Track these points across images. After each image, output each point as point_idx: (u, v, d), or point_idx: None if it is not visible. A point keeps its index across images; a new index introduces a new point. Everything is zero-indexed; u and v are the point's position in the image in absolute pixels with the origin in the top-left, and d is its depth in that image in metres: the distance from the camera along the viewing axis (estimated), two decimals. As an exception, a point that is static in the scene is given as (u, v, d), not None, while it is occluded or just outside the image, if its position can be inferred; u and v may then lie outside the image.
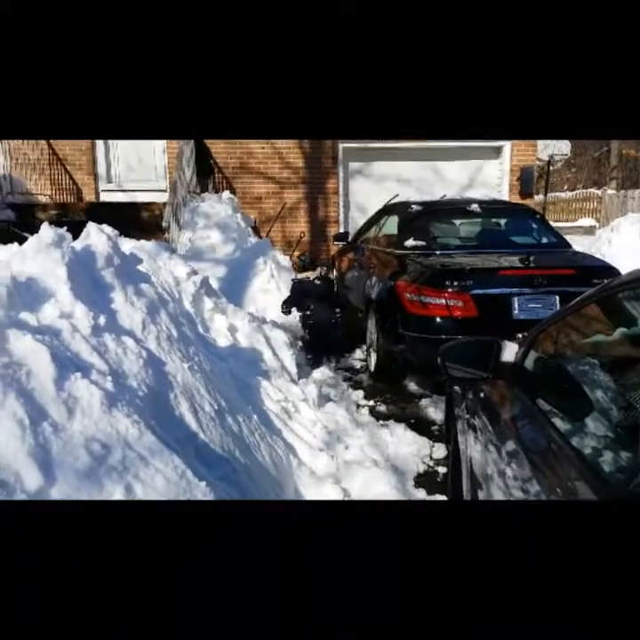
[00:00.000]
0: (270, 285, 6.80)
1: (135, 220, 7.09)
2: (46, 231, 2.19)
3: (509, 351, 2.09)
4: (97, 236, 2.47)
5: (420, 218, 4.95)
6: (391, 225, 5.36)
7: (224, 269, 6.74)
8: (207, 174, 8.37)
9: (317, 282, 4.90)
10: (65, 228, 2.35)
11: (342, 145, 8.60)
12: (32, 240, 2.17)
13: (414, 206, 5.16)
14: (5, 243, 4.94)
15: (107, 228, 2.56)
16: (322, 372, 4.92)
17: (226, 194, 8.06)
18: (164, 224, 6.42)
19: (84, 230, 2.52)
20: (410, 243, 4.65)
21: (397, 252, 4.73)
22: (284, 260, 7.33)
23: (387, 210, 5.91)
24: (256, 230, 8.40)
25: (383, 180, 8.74)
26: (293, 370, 4.46)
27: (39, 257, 2.11)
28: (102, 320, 2.15)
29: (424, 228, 4.81)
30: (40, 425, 1.59)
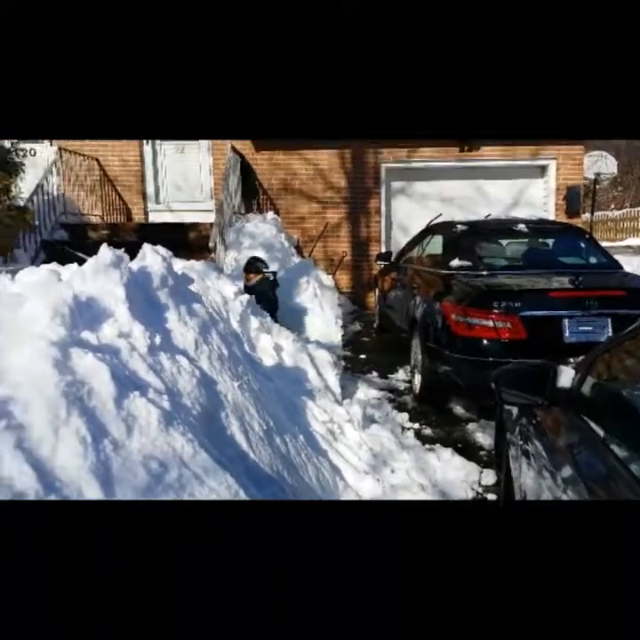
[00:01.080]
0: (313, 304, 6.83)
1: (183, 239, 7.26)
2: (105, 252, 2.26)
3: (565, 376, 2.04)
4: (152, 257, 2.54)
5: (466, 237, 4.91)
6: (436, 245, 5.33)
7: (267, 288, 6.81)
8: (252, 195, 8.52)
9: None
10: (121, 248, 2.42)
11: (385, 165, 8.64)
12: (91, 261, 2.25)
13: (459, 226, 5.12)
14: (60, 261, 5.13)
15: (161, 250, 2.63)
16: (365, 393, 4.89)
17: (270, 214, 8.18)
18: (210, 244, 6.56)
19: (140, 251, 2.59)
20: (455, 263, 4.61)
21: (443, 272, 4.70)
22: (327, 280, 7.36)
23: (431, 229, 5.89)
24: (299, 250, 8.48)
25: (425, 200, 8.73)
26: (337, 390, 4.45)
27: (99, 277, 2.18)
28: (158, 339, 2.20)
29: (470, 247, 4.77)
30: (101, 442, 1.63)
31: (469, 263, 4.58)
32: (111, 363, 1.86)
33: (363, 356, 6.46)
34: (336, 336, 6.50)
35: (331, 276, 8.55)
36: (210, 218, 8.36)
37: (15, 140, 8.22)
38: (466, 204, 8.45)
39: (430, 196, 8.70)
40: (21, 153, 5.77)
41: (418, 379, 4.87)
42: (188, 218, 8.35)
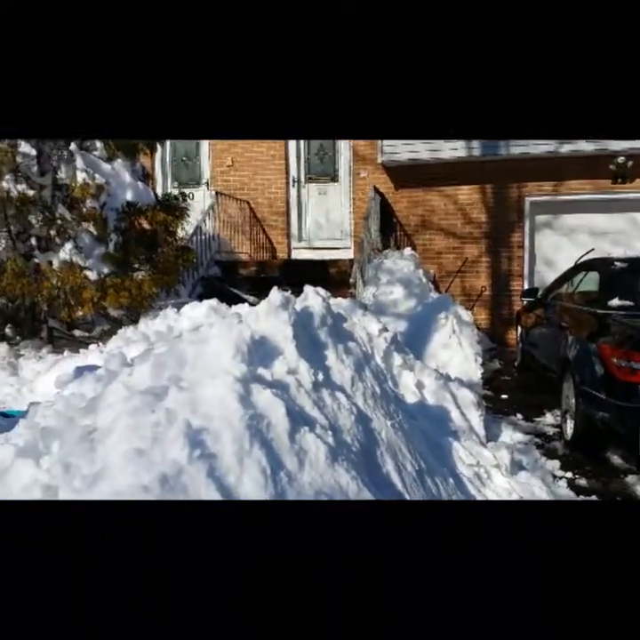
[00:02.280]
0: (452, 341, 6.70)
1: (323, 275, 7.54)
2: (275, 294, 2.44)
3: None
4: (314, 298, 2.69)
5: (627, 275, 4.59)
6: (590, 282, 5.04)
7: (405, 324, 6.83)
8: (389, 232, 8.67)
9: None
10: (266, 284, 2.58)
11: (529, 198, 8.36)
12: (264, 302, 2.43)
13: (618, 262, 4.80)
14: (214, 295, 5.55)
15: (321, 291, 2.78)
16: (511, 436, 4.69)
17: (407, 250, 8.25)
18: (351, 280, 6.75)
19: (303, 292, 2.76)
20: (615, 302, 4.32)
21: (600, 311, 4.42)
22: (466, 316, 7.20)
23: (583, 265, 5.58)
24: (435, 285, 8.43)
25: (573, 233, 8.28)
26: (482, 432, 4.32)
27: (270, 318, 2.35)
28: (320, 376, 2.31)
29: (631, 286, 4.45)
30: (278, 474, 1.74)
31: (631, 303, 4.26)
32: (283, 398, 1.99)
33: (504, 396, 6.20)
34: (475, 374, 6.31)
35: (469, 312, 8.38)
36: (348, 254, 8.62)
37: (176, 186, 9.13)
38: (619, 238, 7.90)
39: (579, 230, 8.24)
40: (186, 198, 6.40)
41: (570, 424, 4.57)
42: (328, 255, 8.68)
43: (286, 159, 9.00)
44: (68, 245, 5.71)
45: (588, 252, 6.20)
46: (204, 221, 8.07)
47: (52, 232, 5.83)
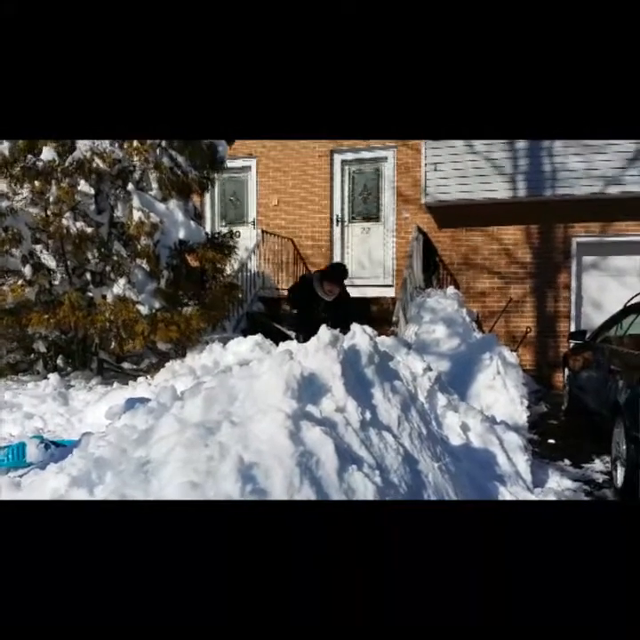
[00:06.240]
0: (496, 382, 6.59)
1: (365, 313, 7.57)
2: (324, 332, 2.48)
3: None
4: (361, 336, 2.73)
5: (680, 319, 4.47)
6: (641, 325, 4.92)
7: (448, 364, 6.76)
8: (432, 271, 8.68)
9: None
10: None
11: (576, 239, 8.28)
12: (313, 339, 2.48)
13: (670, 306, 4.68)
14: (257, 330, 5.61)
15: (368, 329, 2.81)
16: (558, 482, 4.55)
17: (450, 289, 8.23)
18: (393, 318, 6.77)
19: (350, 331, 2.80)
20: (668, 346, 4.20)
21: (652, 356, 4.30)
22: (511, 357, 7.09)
23: (633, 308, 5.46)
24: (479, 325, 8.34)
25: (622, 275, 8.13)
26: (528, 477, 4.20)
27: (318, 355, 2.39)
28: (368, 415, 2.32)
29: (685, 330, 4.32)
30: (327, 512, 1.75)
31: (685, 347, 4.14)
32: (332, 435, 2.01)
33: (551, 441, 6.03)
34: (521, 417, 6.17)
35: (514, 353, 8.22)
36: (389, 292, 8.64)
37: (224, 224, 9.41)
38: (670, 280, 7.71)
39: (628, 272, 8.09)
40: (233, 236, 6.58)
41: (620, 471, 4.40)
42: (370, 293, 8.72)
43: (331, 199, 9.19)
44: (122, 281, 5.94)
45: (637, 294, 6.07)
46: (250, 258, 8.27)
47: (108, 268, 6.08)
